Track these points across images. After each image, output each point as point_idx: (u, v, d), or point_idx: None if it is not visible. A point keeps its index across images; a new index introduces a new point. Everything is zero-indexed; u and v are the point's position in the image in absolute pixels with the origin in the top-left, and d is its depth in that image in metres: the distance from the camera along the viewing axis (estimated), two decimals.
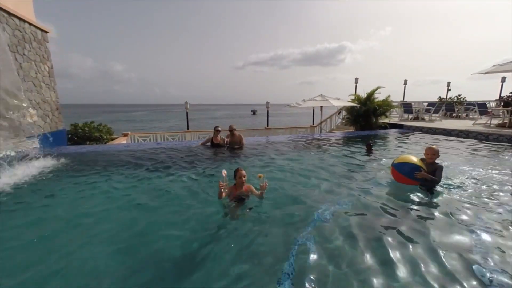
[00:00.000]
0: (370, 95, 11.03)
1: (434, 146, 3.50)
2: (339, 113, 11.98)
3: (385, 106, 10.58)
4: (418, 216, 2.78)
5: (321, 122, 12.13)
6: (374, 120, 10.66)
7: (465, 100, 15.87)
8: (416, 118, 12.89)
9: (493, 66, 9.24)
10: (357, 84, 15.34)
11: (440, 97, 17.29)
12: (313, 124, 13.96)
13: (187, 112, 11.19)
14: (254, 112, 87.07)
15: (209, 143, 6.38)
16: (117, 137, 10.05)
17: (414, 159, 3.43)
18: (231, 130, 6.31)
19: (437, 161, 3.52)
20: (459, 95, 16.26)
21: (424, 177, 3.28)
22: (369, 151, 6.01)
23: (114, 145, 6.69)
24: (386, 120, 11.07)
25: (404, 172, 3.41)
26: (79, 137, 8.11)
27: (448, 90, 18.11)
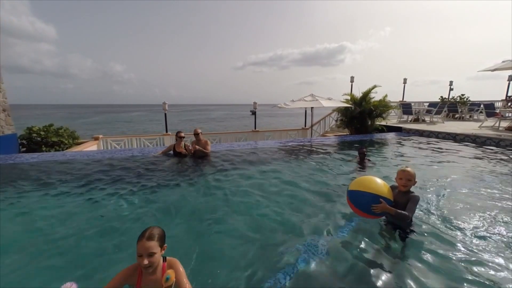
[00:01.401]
0: (366, 95, 10.05)
1: (408, 169, 2.43)
2: (338, 117, 10.84)
3: (382, 107, 9.60)
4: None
5: (312, 125, 11.16)
6: (370, 123, 9.67)
7: (469, 100, 14.86)
8: (416, 120, 11.90)
9: (503, 62, 8.26)
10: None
11: (442, 97, 16.28)
12: (305, 126, 13.00)
13: (165, 114, 10.23)
14: (253, 113, 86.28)
15: (171, 152, 5.42)
16: (86, 142, 9.11)
17: (377, 182, 2.36)
18: (196, 133, 5.36)
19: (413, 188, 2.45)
20: (463, 95, 15.26)
21: (386, 210, 2.24)
22: (361, 162, 5.03)
23: (57, 153, 5.62)
24: (384, 122, 10.08)
25: (359, 203, 2.35)
26: (34, 142, 7.16)
27: (451, 89, 17.10)
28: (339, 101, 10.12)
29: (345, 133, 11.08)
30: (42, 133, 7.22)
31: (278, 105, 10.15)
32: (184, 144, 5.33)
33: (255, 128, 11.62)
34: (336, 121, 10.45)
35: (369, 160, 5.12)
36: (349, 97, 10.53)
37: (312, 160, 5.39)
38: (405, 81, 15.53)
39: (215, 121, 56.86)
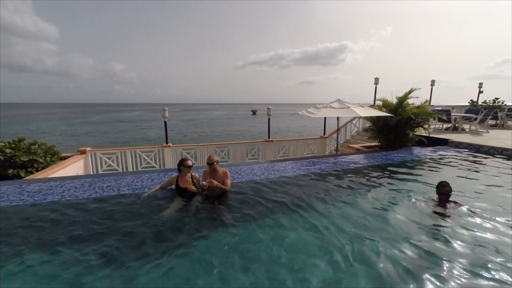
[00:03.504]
0: (402, 101, 8.49)
1: None
2: (369, 126, 9.02)
3: (424, 115, 8.03)
4: None
5: (338, 136, 9.58)
6: (410, 134, 8.12)
7: (505, 105, 13.29)
8: (455, 129, 10.36)
9: None
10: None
11: (471, 100, 14.72)
12: (324, 134, 11.47)
13: (165, 122, 8.70)
14: (254, 112, 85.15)
15: (172, 186, 3.86)
16: (71, 156, 7.60)
17: None
18: (211, 163, 3.79)
19: None
20: (497, 99, 13.69)
21: None
22: (443, 205, 3.51)
23: (9, 190, 3.99)
24: (424, 133, 8.51)
25: None
26: None
27: (480, 92, 15.54)
28: (370, 106, 8.59)
29: (373, 144, 9.56)
30: (8, 150, 5.68)
31: (299, 112, 8.60)
32: (192, 176, 3.77)
33: (268, 137, 10.09)
34: (367, 130, 8.90)
35: (456, 203, 3.57)
36: (380, 103, 9.03)
37: (357, 198, 3.82)
38: (432, 83, 13.94)
39: (217, 122, 55.32)
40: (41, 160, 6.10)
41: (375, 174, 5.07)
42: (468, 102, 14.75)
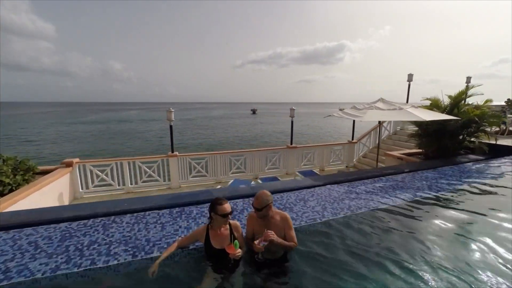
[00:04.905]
0: (458, 101, 7.01)
1: None
2: (416, 130, 7.32)
3: (493, 119, 6.51)
4: None
5: (379, 144, 8.06)
6: (476, 142, 6.64)
7: None
8: (509, 133, 8.89)
9: None
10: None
11: (508, 99, 13.26)
12: (352, 139, 9.98)
13: (171, 126, 7.15)
14: (254, 111, 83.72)
15: (198, 244, 2.33)
16: (53, 169, 6.07)
17: None
18: (262, 208, 2.24)
19: None
20: None
21: None
22: None
23: None
24: (488, 140, 7.00)
25: None
26: None
27: None
28: (421, 106, 7.07)
29: (414, 151, 8.07)
30: None
31: (335, 114, 7.09)
32: (232, 227, 2.24)
33: (291, 143, 8.58)
34: (413, 136, 7.40)
35: None
36: (428, 103, 7.53)
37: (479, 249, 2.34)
38: (468, 80, 12.39)
39: (214, 122, 53.71)
40: (7, 181, 4.55)
41: (474, 201, 3.58)
42: (505, 102, 13.29)
